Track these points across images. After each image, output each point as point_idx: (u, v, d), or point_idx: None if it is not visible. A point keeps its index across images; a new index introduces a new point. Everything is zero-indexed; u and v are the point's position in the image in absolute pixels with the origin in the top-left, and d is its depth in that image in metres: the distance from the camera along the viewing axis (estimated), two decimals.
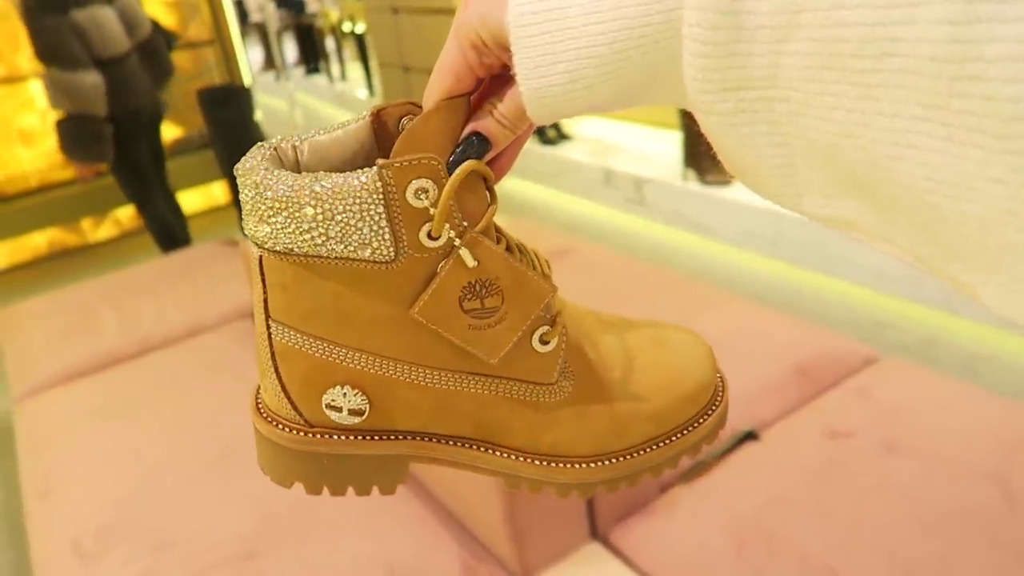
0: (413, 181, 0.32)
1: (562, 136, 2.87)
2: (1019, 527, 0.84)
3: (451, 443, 0.38)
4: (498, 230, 0.36)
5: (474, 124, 0.34)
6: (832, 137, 0.24)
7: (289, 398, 0.37)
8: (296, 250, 0.33)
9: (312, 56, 5.55)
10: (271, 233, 0.34)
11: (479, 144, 0.33)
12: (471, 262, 0.34)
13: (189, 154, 3.22)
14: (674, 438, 0.39)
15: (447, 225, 0.33)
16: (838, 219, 0.27)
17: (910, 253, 0.25)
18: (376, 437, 0.37)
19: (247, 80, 3.36)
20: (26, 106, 2.98)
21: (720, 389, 0.41)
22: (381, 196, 0.32)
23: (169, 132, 3.33)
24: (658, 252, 2.41)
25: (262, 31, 5.59)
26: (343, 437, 0.37)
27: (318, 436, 0.37)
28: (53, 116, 2.23)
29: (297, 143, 0.36)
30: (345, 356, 0.36)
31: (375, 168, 0.32)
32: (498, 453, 0.38)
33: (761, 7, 0.24)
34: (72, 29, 2.11)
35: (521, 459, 0.38)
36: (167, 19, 3.20)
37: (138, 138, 2.39)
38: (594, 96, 0.30)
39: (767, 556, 0.85)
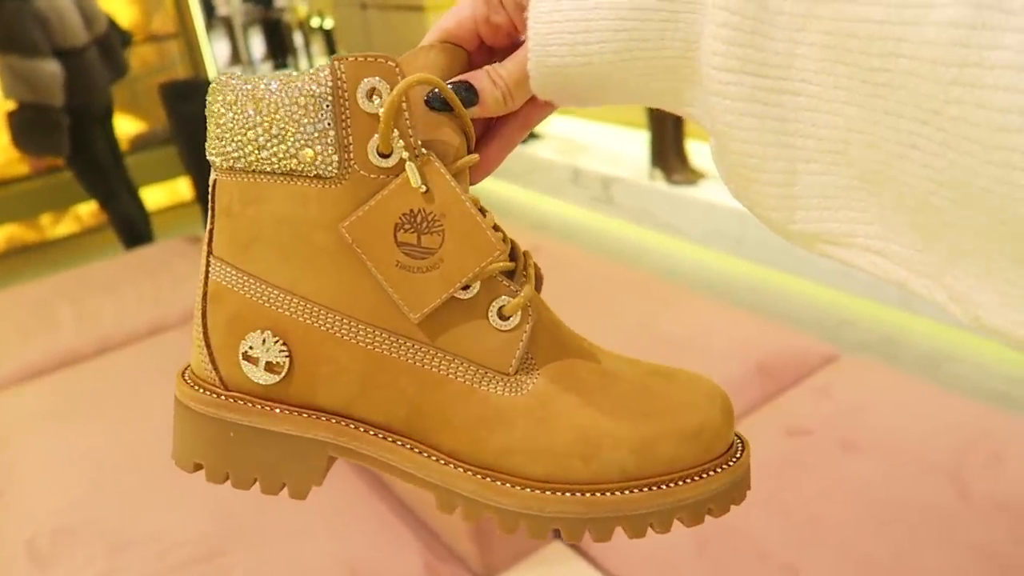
0: (366, 79, 0.29)
1: (531, 134, 2.88)
2: (972, 523, 0.85)
3: (379, 435, 0.32)
4: (483, 211, 0.32)
5: (465, 75, 0.31)
6: (842, 133, 0.24)
7: (209, 349, 0.33)
8: (241, 162, 0.31)
9: (279, 51, 5.49)
10: (219, 140, 0.31)
11: (465, 91, 0.31)
12: (416, 182, 0.29)
13: (151, 150, 3.17)
14: (664, 486, 0.30)
15: (397, 138, 0.29)
16: (830, 233, 0.26)
17: (905, 264, 0.24)
18: (293, 411, 0.32)
19: (212, 75, 3.31)
20: None
21: (739, 448, 0.33)
22: (329, 91, 0.29)
23: (131, 127, 3.27)
24: (625, 250, 2.43)
25: (228, 25, 5.51)
26: (257, 406, 0.32)
27: (230, 400, 0.32)
28: (9, 108, 2.18)
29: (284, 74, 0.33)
30: (275, 298, 0.32)
31: (328, 60, 0.30)
32: (431, 456, 0.32)
33: None
34: (33, 16, 2.07)
35: (459, 469, 0.31)
36: (130, 11, 3.15)
37: (93, 132, 2.35)
38: (601, 60, 0.28)
39: (728, 553, 0.86)
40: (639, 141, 2.55)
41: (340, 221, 0.30)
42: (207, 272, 0.33)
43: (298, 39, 5.23)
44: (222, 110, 0.31)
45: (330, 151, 0.30)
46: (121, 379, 1.43)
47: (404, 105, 0.29)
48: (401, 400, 0.32)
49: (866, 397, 1.09)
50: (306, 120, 0.30)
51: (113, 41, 2.41)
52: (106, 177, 2.45)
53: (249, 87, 0.30)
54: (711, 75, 0.26)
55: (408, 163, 0.30)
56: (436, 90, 0.30)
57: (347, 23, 3.84)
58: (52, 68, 2.10)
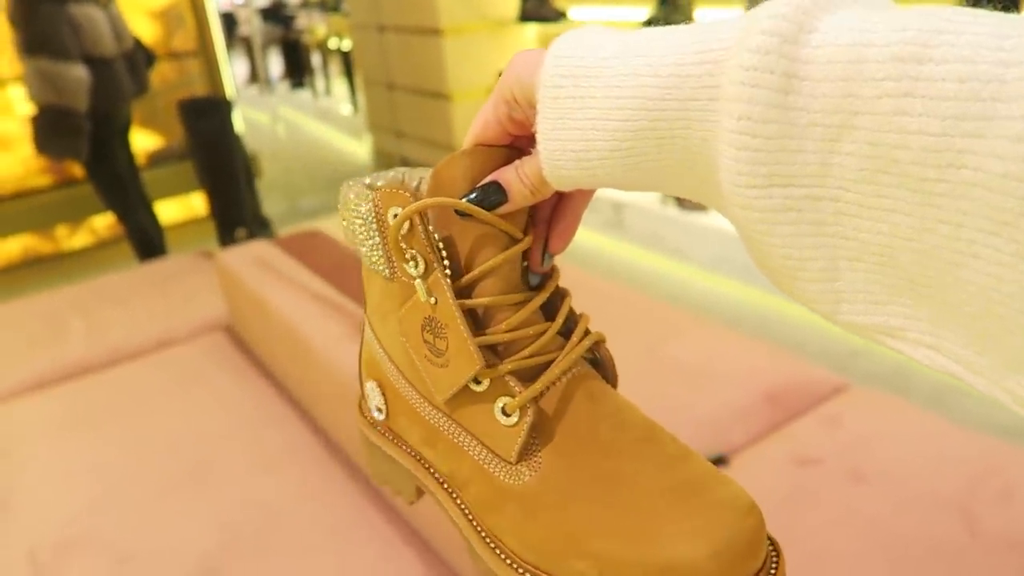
0: (391, 208, 0.35)
1: None
2: (981, 559, 0.84)
3: (437, 477, 0.38)
4: (552, 287, 0.37)
5: (496, 174, 0.34)
6: (887, 239, 0.22)
7: (362, 384, 0.43)
8: (358, 252, 0.39)
9: (297, 71, 5.56)
10: (347, 232, 0.39)
11: (494, 193, 0.33)
12: (424, 297, 0.35)
13: (168, 165, 3.20)
14: None
15: (418, 257, 0.35)
16: (880, 327, 0.25)
17: (962, 363, 0.23)
18: (393, 439, 0.41)
19: (230, 93, 3.35)
20: (4, 111, 2.95)
21: (772, 564, 0.30)
22: (373, 216, 0.36)
23: (149, 142, 3.31)
24: (635, 275, 2.43)
25: (248, 45, 5.59)
26: (379, 429, 0.42)
27: (368, 422, 0.43)
28: (29, 111, 2.21)
29: (422, 180, 0.38)
30: (380, 357, 0.40)
31: (371, 193, 0.36)
32: (463, 507, 0.37)
33: (814, 104, 0.22)
34: (67, 21, 2.11)
35: (474, 523, 0.36)
36: (152, 28, 3.19)
37: (114, 143, 2.38)
38: (607, 170, 0.29)
39: None
40: None
41: (396, 312, 0.37)
42: (367, 326, 0.42)
43: (316, 59, 5.29)
44: (342, 207, 0.39)
45: (382, 260, 0.37)
46: (129, 392, 1.43)
47: (420, 226, 0.34)
48: (442, 459, 0.38)
49: (876, 428, 1.08)
50: (365, 236, 0.37)
51: (139, 58, 2.45)
52: (124, 190, 2.47)
53: (344, 196, 0.38)
54: (735, 192, 0.25)
55: (416, 280, 0.35)
56: (469, 196, 0.34)
57: (365, 45, 3.88)
58: (80, 73, 2.13)
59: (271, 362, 1.41)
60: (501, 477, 0.35)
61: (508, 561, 0.34)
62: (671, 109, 0.26)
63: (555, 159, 0.30)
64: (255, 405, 1.32)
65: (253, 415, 1.29)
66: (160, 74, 3.27)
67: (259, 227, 2.91)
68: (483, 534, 0.35)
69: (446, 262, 0.35)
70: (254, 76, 5.87)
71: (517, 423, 0.34)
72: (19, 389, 1.50)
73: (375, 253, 0.37)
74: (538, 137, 0.30)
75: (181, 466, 1.17)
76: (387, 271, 0.37)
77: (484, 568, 0.35)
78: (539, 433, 0.34)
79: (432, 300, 0.35)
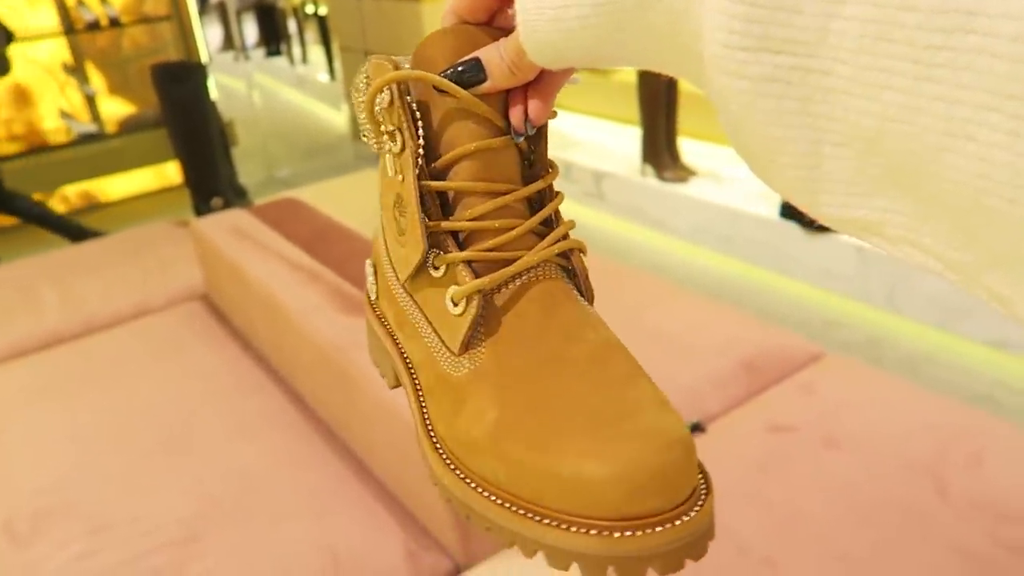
0: (378, 79, 0.34)
1: None
2: (950, 520, 0.86)
3: (407, 361, 0.38)
4: (536, 185, 0.36)
5: (477, 52, 0.33)
6: (876, 121, 0.21)
7: (373, 268, 0.42)
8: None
9: (273, 38, 5.46)
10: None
11: (472, 70, 0.33)
12: (391, 172, 0.35)
13: (141, 132, 3.14)
14: (528, 513, 0.29)
15: (393, 131, 0.34)
16: (858, 221, 0.24)
17: (940, 259, 0.22)
18: (380, 319, 0.41)
19: (204, 58, 3.29)
20: None
21: (699, 500, 0.28)
22: (365, 89, 0.36)
23: (121, 109, 3.24)
24: (615, 245, 2.43)
25: (222, 10, 5.48)
26: (373, 309, 0.42)
27: (368, 301, 0.43)
28: None
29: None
30: (378, 233, 0.40)
31: (366, 63, 0.36)
32: (418, 390, 0.37)
33: None
34: None
35: (423, 408, 0.36)
36: None
37: None
38: (586, 33, 0.27)
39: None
40: (631, 137, 2.55)
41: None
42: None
43: (292, 26, 5.20)
44: (354, 89, 0.38)
45: (372, 133, 0.36)
46: (105, 361, 1.42)
47: (398, 100, 0.34)
48: (407, 344, 0.38)
49: (849, 395, 1.10)
50: (360, 109, 0.36)
51: None
52: None
53: (359, 76, 0.37)
54: (720, 54, 0.23)
55: (388, 156, 0.35)
56: (447, 73, 0.33)
57: (342, 11, 3.81)
58: None
59: (248, 331, 1.40)
60: (444, 366, 0.35)
61: (439, 449, 0.34)
62: None
63: (532, 21, 0.29)
64: (232, 373, 1.31)
65: (230, 384, 1.28)
66: (132, 38, 3.20)
67: (235, 196, 2.87)
68: (426, 418, 0.36)
69: (421, 141, 0.34)
70: (229, 42, 5.76)
71: (462, 313, 0.34)
72: None
73: (368, 126, 0.36)
74: (516, 3, 0.29)
75: (158, 435, 1.17)
76: (375, 144, 0.36)
77: (422, 454, 0.36)
78: (486, 329, 0.34)
79: (399, 177, 0.35)
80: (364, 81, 0.36)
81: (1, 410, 1.31)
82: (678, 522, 0.27)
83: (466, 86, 0.33)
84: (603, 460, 0.27)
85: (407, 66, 0.34)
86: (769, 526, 0.88)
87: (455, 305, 0.34)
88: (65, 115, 3.07)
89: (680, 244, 2.31)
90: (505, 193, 0.35)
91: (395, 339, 0.39)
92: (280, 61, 5.35)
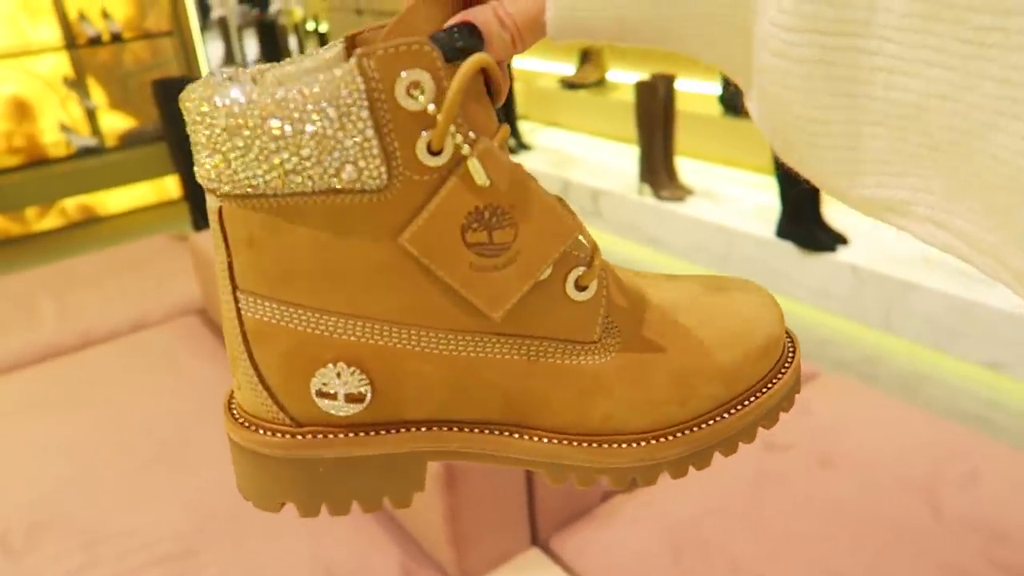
0: (403, 73, 0.25)
1: (522, 146, 2.89)
2: (944, 540, 0.86)
3: (477, 430, 0.31)
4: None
5: (466, 13, 0.27)
6: (918, 97, 0.21)
7: (269, 390, 0.30)
8: (262, 188, 0.26)
9: (274, 53, 5.48)
10: (228, 167, 0.26)
11: (466, 38, 0.26)
12: (482, 179, 0.26)
13: (142, 146, 3.15)
14: (747, 402, 0.32)
15: (454, 133, 0.26)
16: (888, 200, 0.23)
17: (968, 240, 0.22)
18: (384, 431, 0.30)
19: (205, 74, 3.31)
20: None
21: (790, 345, 0.35)
22: (364, 95, 0.25)
23: (122, 123, 3.26)
24: (612, 262, 2.44)
25: (223, 26, 5.51)
26: (342, 435, 0.30)
27: (310, 437, 0.30)
28: (0, 100, 2.16)
29: (257, 74, 0.28)
30: (336, 326, 0.28)
31: (353, 59, 0.25)
32: (535, 438, 0.31)
33: None
34: None
35: (566, 442, 0.31)
36: (124, 7, 3.14)
37: None
38: (633, 5, 0.25)
39: (702, 564, 0.87)
40: (629, 156, 2.57)
41: (396, 234, 0.27)
42: (238, 310, 0.29)
43: (292, 42, 5.23)
44: (224, 134, 0.26)
45: (376, 163, 0.26)
46: (102, 374, 1.42)
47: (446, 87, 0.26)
48: (495, 395, 0.30)
49: (844, 415, 1.10)
50: (342, 134, 0.25)
51: None
52: None
53: (256, 103, 0.25)
54: (772, 33, 0.22)
55: (471, 160, 0.26)
56: (434, 41, 0.26)
57: (342, 28, 3.84)
58: None
59: None
60: (589, 362, 0.31)
61: (619, 445, 0.31)
62: None
63: None
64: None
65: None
66: (134, 54, 3.22)
67: None
68: (580, 441, 0.31)
69: (472, 134, 0.26)
70: (229, 58, 5.79)
71: (596, 294, 0.30)
72: None
73: (360, 157, 0.26)
74: None
75: (154, 448, 1.17)
76: (383, 176, 0.26)
77: (583, 477, 0.32)
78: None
79: (488, 181, 0.27)
80: (337, 89, 0.25)
81: None
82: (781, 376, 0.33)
83: (458, 57, 0.26)
84: (767, 313, 0.34)
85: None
86: (763, 544, 0.88)
87: (582, 290, 0.30)
88: (65, 128, 3.08)
89: (677, 262, 2.32)
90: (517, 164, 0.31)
91: (438, 425, 0.31)
92: None
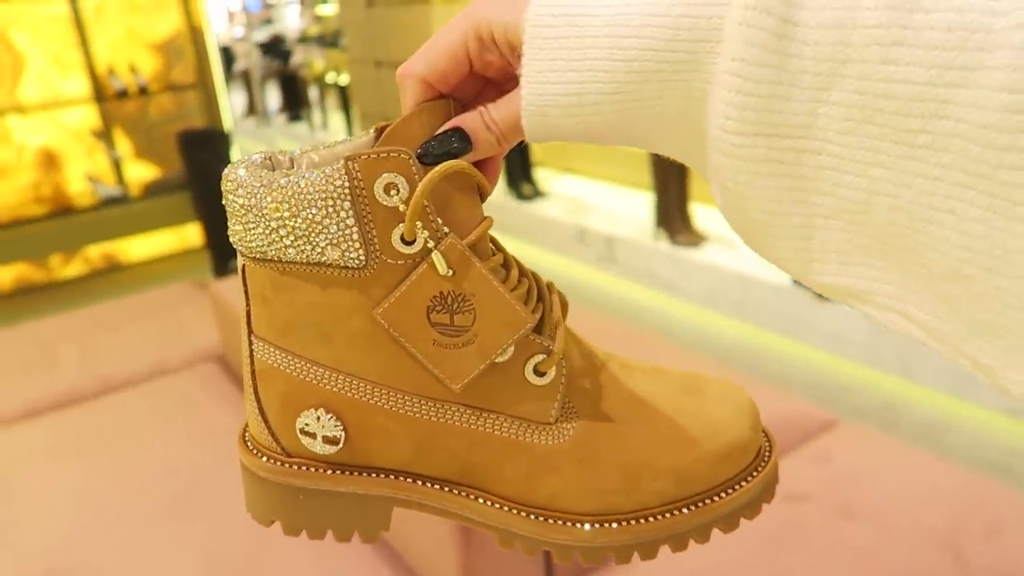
0: (383, 175, 0.30)
1: (537, 193, 2.92)
2: None
3: (437, 486, 0.34)
4: (496, 246, 0.34)
5: (458, 120, 0.31)
6: (864, 195, 0.22)
7: (267, 423, 0.35)
8: (270, 255, 0.32)
9: (294, 104, 5.61)
10: (245, 235, 0.32)
11: (459, 142, 0.30)
12: (443, 270, 0.31)
13: (164, 195, 3.21)
14: (701, 504, 0.33)
15: (421, 228, 0.30)
16: (848, 289, 0.25)
17: (924, 328, 0.23)
18: (355, 472, 0.34)
19: (228, 125, 3.39)
20: (3, 140, 2.98)
21: (766, 451, 0.35)
22: (347, 192, 0.30)
23: (145, 172, 3.33)
24: (627, 309, 2.44)
25: (246, 78, 5.65)
26: (320, 470, 0.34)
27: (295, 467, 0.34)
28: (29, 151, 2.22)
29: (295, 155, 0.34)
30: (321, 377, 0.33)
31: (341, 161, 0.30)
32: (488, 502, 0.34)
33: (806, 51, 0.22)
34: None
35: (514, 511, 0.33)
36: (152, 61, 3.23)
37: None
38: (598, 118, 0.27)
39: None
40: (644, 202, 2.59)
41: (373, 307, 0.31)
42: (252, 351, 0.34)
43: (313, 93, 5.34)
44: (242, 210, 0.31)
45: (356, 247, 0.31)
46: (121, 421, 1.43)
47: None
48: (452, 458, 0.34)
49: (864, 464, 1.09)
50: (328, 221, 0.30)
51: None
52: None
53: (265, 189, 0.31)
54: (721, 137, 0.24)
55: (434, 252, 0.30)
56: (430, 144, 0.30)
57: (362, 80, 3.93)
58: None
59: None
60: (541, 442, 0.33)
61: (563, 523, 0.33)
62: (681, 50, 0.25)
63: (542, 105, 0.28)
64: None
65: None
66: (159, 106, 3.31)
67: None
68: (528, 513, 0.33)
69: (446, 228, 0.31)
70: (252, 109, 5.92)
71: (553, 380, 0.33)
72: (11, 417, 1.49)
73: (342, 241, 0.31)
74: (523, 81, 0.28)
75: (171, 496, 1.17)
76: (362, 258, 0.31)
77: (528, 546, 0.34)
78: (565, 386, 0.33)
79: (450, 272, 0.31)
80: (328, 185, 0.30)
81: (17, 468, 1.31)
82: (756, 474, 0.34)
83: (450, 157, 0.30)
84: (737, 418, 0.34)
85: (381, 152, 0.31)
86: None
87: (541, 375, 0.33)
88: (92, 178, 3.16)
89: (692, 308, 2.32)
90: (507, 259, 0.34)
91: (403, 475, 0.34)
92: (301, 127, 5.48)
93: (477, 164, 0.33)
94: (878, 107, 0.21)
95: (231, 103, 3.92)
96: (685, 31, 0.24)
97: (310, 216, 0.30)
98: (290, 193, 0.30)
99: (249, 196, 0.31)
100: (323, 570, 0.99)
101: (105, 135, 3.20)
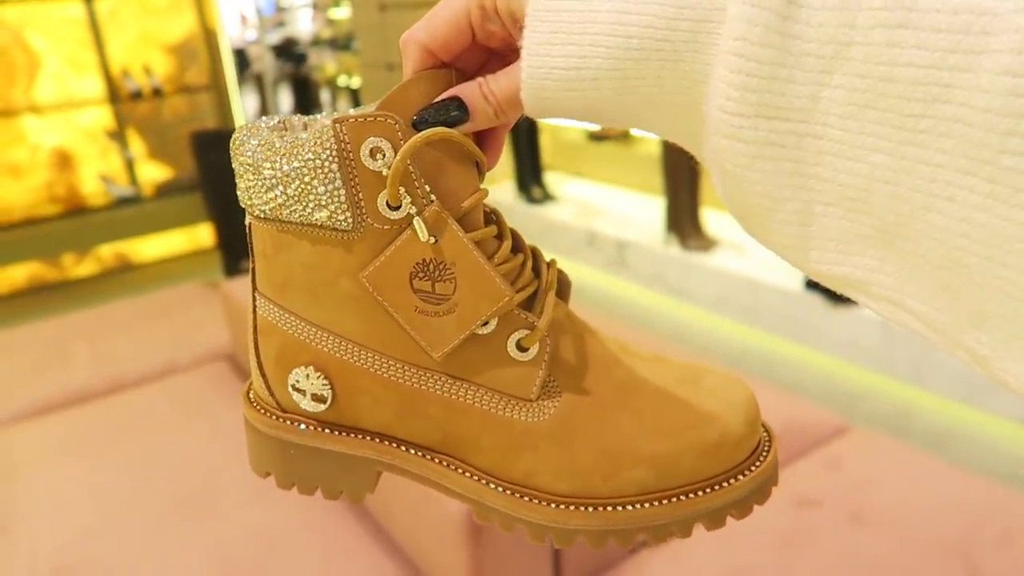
0: (369, 139, 0.30)
1: (547, 196, 2.92)
2: None
3: (418, 453, 0.35)
4: (495, 219, 0.34)
5: (455, 89, 0.31)
6: (864, 181, 0.22)
7: (264, 377, 0.36)
8: (268, 214, 0.32)
9: (306, 107, 5.63)
10: (246, 195, 0.33)
11: (456, 111, 0.30)
12: (424, 236, 0.31)
13: (177, 195, 3.23)
14: (682, 497, 0.32)
15: (404, 193, 0.30)
16: (845, 278, 0.24)
17: (922, 319, 0.23)
18: (340, 432, 0.35)
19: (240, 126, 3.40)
20: (18, 140, 3.00)
21: (763, 448, 0.34)
22: (335, 154, 0.30)
23: (158, 173, 3.35)
24: (637, 314, 2.44)
25: (259, 80, 5.67)
26: (308, 427, 0.35)
27: (286, 422, 0.35)
28: (44, 151, 2.24)
29: (310, 120, 0.34)
30: (313, 335, 0.34)
31: (329, 123, 0.30)
32: (466, 473, 0.34)
33: (810, 33, 0.22)
34: None
35: (491, 485, 0.33)
36: (166, 63, 3.25)
37: None
38: (596, 94, 0.27)
39: None
40: (655, 207, 2.58)
41: (360, 270, 0.32)
42: (255, 306, 0.36)
43: (325, 96, 5.36)
44: (243, 169, 0.32)
45: (343, 208, 0.31)
46: (132, 419, 1.44)
47: (408, 161, 0.30)
48: (433, 426, 0.34)
49: (876, 471, 1.08)
50: (316, 183, 0.31)
51: None
52: None
53: (262, 149, 0.31)
54: (722, 119, 0.24)
55: (416, 219, 0.31)
56: (427, 112, 0.30)
57: (373, 83, 3.94)
58: None
59: None
60: (521, 418, 0.33)
61: (538, 501, 0.33)
62: (682, 29, 0.24)
63: (541, 77, 0.27)
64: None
65: None
66: (172, 107, 3.33)
67: None
68: (504, 488, 0.33)
69: (432, 196, 0.31)
70: (264, 110, 5.95)
71: (536, 356, 0.32)
72: (23, 414, 1.50)
73: (330, 203, 0.31)
74: (523, 53, 0.28)
75: (181, 494, 1.17)
76: (349, 221, 0.31)
77: (503, 521, 0.34)
78: (551, 364, 0.33)
79: (431, 239, 0.31)
80: (316, 147, 0.30)
81: (27, 465, 1.32)
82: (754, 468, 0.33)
83: (447, 126, 0.30)
84: (731, 411, 0.33)
85: (380, 116, 0.31)
86: None
87: (524, 351, 0.32)
88: (105, 178, 3.18)
89: (703, 314, 2.31)
90: (501, 232, 0.34)
91: (387, 439, 0.35)
92: None
93: (479, 137, 0.33)
94: (880, 91, 0.21)
95: (244, 105, 3.94)
96: (688, 10, 0.24)
97: (299, 177, 0.31)
98: (283, 153, 0.31)
99: (251, 155, 0.32)
100: (332, 569, 0.99)
101: (119, 135, 3.22)
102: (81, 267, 3.27)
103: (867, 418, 1.76)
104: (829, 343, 1.96)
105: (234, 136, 0.33)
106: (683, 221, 2.34)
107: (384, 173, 0.30)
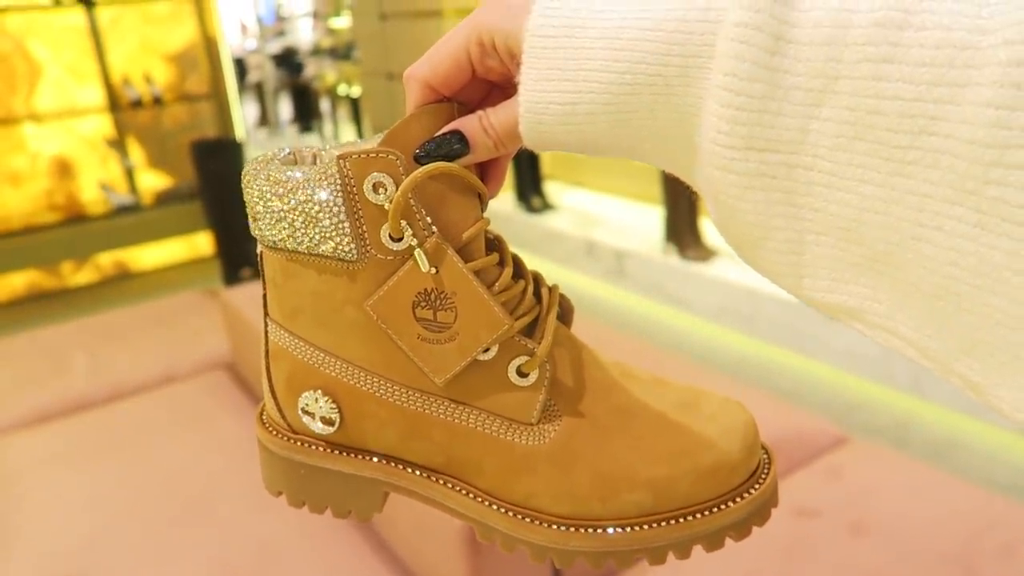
0: (372, 174, 0.31)
1: (547, 206, 2.93)
2: None
3: (423, 474, 0.36)
4: (497, 246, 0.35)
5: (457, 123, 0.32)
6: (855, 211, 0.22)
7: (276, 400, 0.37)
8: (278, 244, 0.34)
9: (306, 116, 5.65)
10: (256, 225, 0.34)
11: (457, 144, 0.31)
12: (425, 267, 0.32)
13: (177, 203, 3.23)
14: (680, 520, 0.33)
15: (407, 226, 0.32)
16: (839, 306, 0.25)
17: (915, 347, 0.23)
18: (348, 453, 0.36)
19: (240, 135, 3.41)
20: (17, 148, 3.00)
21: (763, 470, 0.35)
22: (339, 188, 0.32)
23: (158, 181, 3.35)
24: (636, 324, 2.44)
25: (259, 89, 5.69)
26: (318, 448, 0.36)
27: (297, 443, 0.37)
28: (44, 159, 2.24)
29: (319, 150, 0.35)
30: (322, 361, 0.35)
31: (334, 159, 0.32)
32: (469, 494, 0.35)
33: (798, 67, 0.22)
34: None
35: (493, 506, 0.34)
36: (167, 71, 3.26)
37: None
38: (592, 128, 0.28)
39: None
40: (654, 216, 2.59)
41: (364, 299, 0.33)
42: (267, 332, 0.37)
43: (325, 105, 5.38)
44: (254, 202, 0.34)
45: (347, 241, 0.32)
46: (130, 428, 1.43)
47: (410, 195, 0.31)
48: (437, 449, 0.35)
49: (876, 481, 1.08)
50: (322, 216, 0.32)
51: None
52: None
53: (271, 183, 0.33)
54: (713, 151, 0.25)
55: (416, 250, 0.32)
56: (429, 146, 0.31)
57: (373, 92, 3.95)
58: None
59: None
60: (522, 442, 0.34)
61: (539, 523, 0.34)
62: (673, 64, 0.25)
63: (538, 112, 0.28)
64: (254, 443, 1.32)
65: (252, 453, 1.28)
66: (172, 116, 3.33)
67: None
68: (505, 509, 0.34)
69: (434, 228, 0.32)
70: (264, 120, 5.96)
71: (536, 381, 0.33)
72: (21, 423, 1.50)
73: (335, 235, 0.32)
74: (521, 88, 0.29)
75: (180, 503, 1.17)
76: (354, 252, 0.32)
77: (505, 542, 0.34)
78: (551, 389, 0.34)
79: (432, 269, 0.32)
80: (323, 182, 0.32)
81: (26, 474, 1.32)
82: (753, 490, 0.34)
83: (448, 160, 0.31)
84: (727, 436, 0.34)
85: (383, 152, 0.32)
86: None
87: (524, 376, 0.33)
88: (105, 187, 3.18)
89: (702, 323, 2.31)
90: (503, 260, 0.35)
91: (393, 461, 0.36)
92: (312, 138, 5.51)
93: (481, 167, 0.34)
94: (868, 123, 0.21)
95: (244, 114, 3.94)
96: (678, 46, 0.25)
97: (306, 211, 0.32)
98: (291, 187, 0.32)
99: (261, 189, 0.33)
100: None
101: (119, 144, 3.22)
102: (80, 275, 3.27)
103: (866, 428, 1.76)
104: (828, 353, 1.97)
105: (245, 170, 0.34)
106: (682, 231, 2.35)
107: (386, 207, 0.31)
